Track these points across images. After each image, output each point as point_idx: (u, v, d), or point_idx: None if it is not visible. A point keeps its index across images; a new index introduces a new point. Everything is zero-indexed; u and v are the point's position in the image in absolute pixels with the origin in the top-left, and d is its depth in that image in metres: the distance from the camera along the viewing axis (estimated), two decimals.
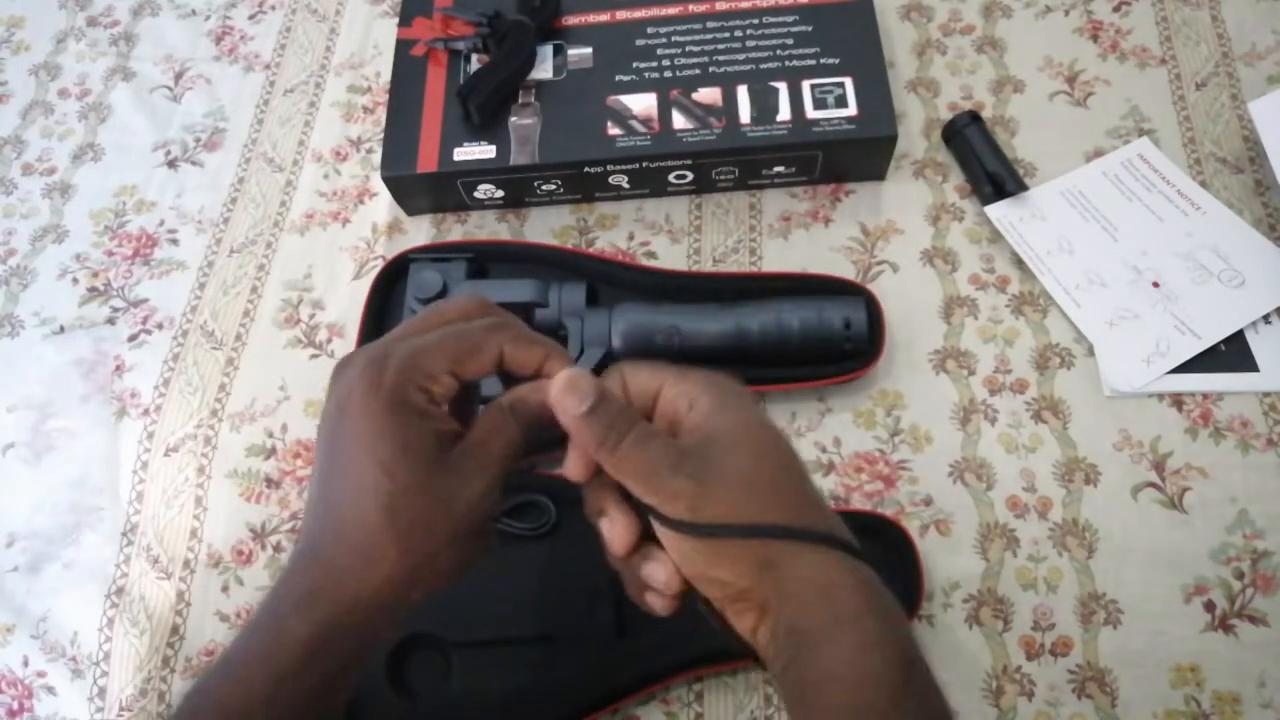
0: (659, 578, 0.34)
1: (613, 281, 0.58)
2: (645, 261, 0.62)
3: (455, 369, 0.35)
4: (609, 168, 0.61)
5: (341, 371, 0.34)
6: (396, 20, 0.68)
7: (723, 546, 0.32)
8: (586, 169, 0.61)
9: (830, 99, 0.60)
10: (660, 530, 0.33)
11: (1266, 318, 0.56)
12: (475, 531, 0.34)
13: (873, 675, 0.31)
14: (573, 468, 0.35)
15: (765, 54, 0.62)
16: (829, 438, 0.56)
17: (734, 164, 0.61)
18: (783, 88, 0.61)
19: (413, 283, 0.58)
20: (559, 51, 0.64)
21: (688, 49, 0.63)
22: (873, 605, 0.32)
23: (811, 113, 0.60)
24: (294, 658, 0.32)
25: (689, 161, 0.60)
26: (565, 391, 0.33)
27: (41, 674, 0.54)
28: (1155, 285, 0.57)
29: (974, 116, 0.63)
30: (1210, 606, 0.49)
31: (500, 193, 0.63)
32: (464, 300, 0.38)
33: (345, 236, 0.66)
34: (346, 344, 0.61)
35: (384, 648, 0.41)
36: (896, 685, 0.31)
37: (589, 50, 0.64)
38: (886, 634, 0.32)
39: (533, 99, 0.62)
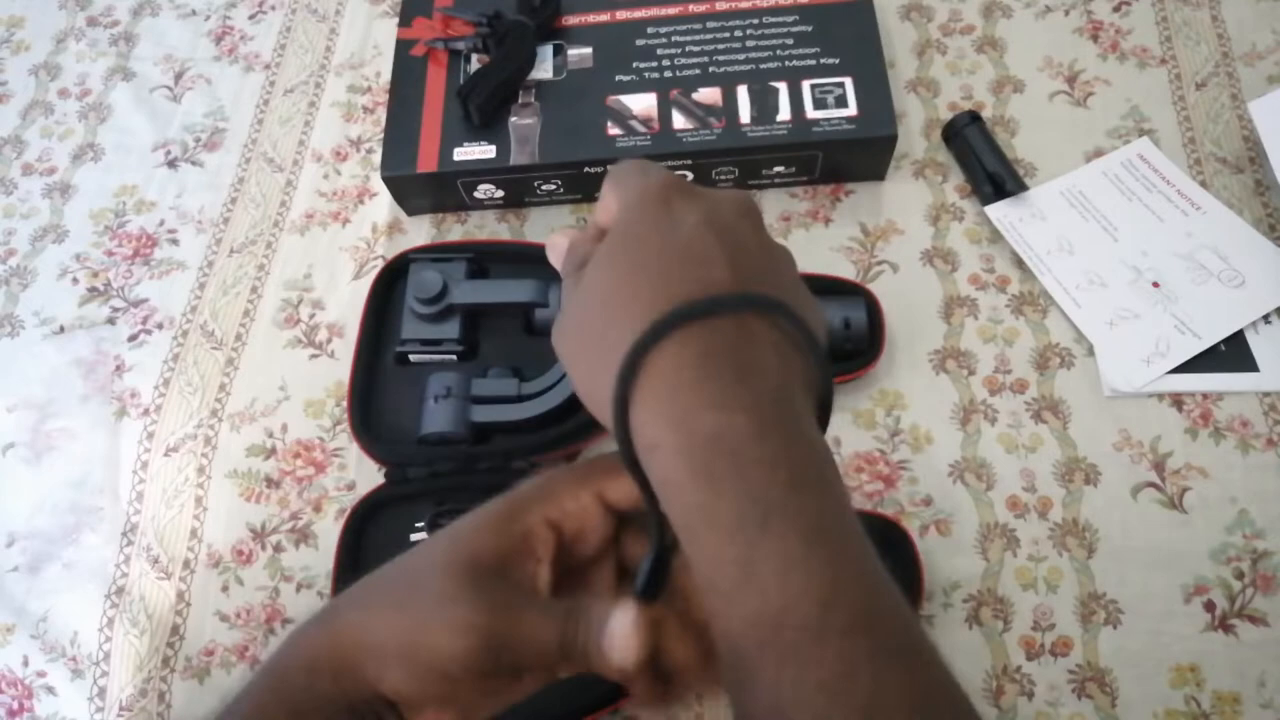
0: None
1: None
2: None
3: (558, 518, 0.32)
4: (609, 168, 0.61)
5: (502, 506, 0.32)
6: (396, 20, 0.68)
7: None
8: (586, 169, 0.61)
9: (830, 99, 0.60)
10: None
11: (1266, 318, 0.56)
12: (449, 667, 0.29)
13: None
14: None
15: (765, 54, 0.62)
16: (829, 438, 0.56)
17: (734, 164, 0.61)
18: (783, 88, 0.61)
19: (413, 283, 0.58)
20: (559, 51, 0.64)
21: (688, 49, 0.63)
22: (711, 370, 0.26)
23: (811, 113, 0.60)
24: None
25: (689, 161, 0.60)
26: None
27: (41, 674, 0.54)
28: (1155, 285, 0.57)
29: (974, 116, 0.63)
30: (1210, 606, 0.49)
31: (500, 193, 0.63)
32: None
33: (345, 236, 0.66)
34: (346, 344, 0.61)
35: None
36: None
37: (589, 50, 0.64)
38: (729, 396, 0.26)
39: (533, 99, 0.62)
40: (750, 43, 0.63)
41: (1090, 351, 0.57)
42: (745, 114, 0.60)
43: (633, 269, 0.29)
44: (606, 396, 0.27)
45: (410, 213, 0.66)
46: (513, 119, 0.62)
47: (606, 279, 0.30)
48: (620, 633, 0.29)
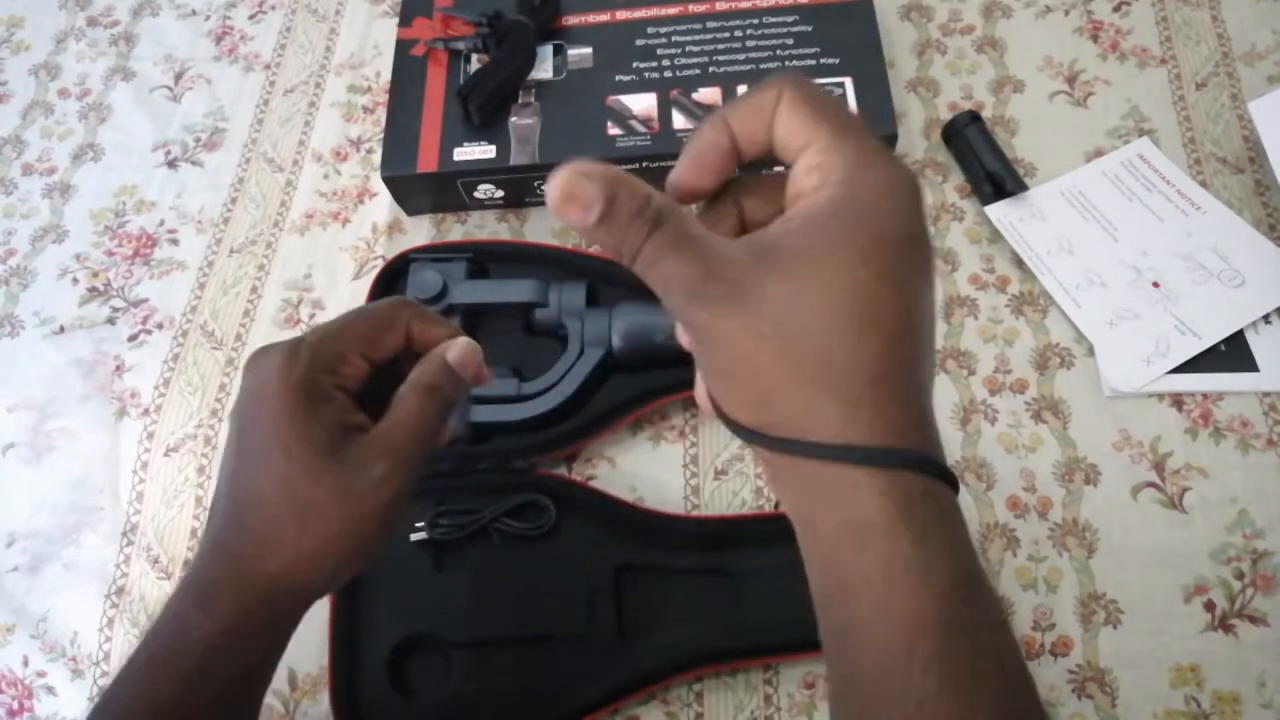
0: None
1: (613, 281, 0.58)
2: None
3: (365, 350, 0.35)
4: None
5: (256, 361, 0.34)
6: (396, 20, 0.68)
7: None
8: None
9: None
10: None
11: (1266, 318, 0.56)
12: (376, 517, 0.34)
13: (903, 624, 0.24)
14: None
15: (765, 54, 0.62)
16: None
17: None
18: None
19: (413, 283, 0.58)
20: (559, 51, 0.64)
21: (688, 49, 0.63)
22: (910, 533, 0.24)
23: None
24: (200, 657, 0.32)
25: None
26: (564, 203, 0.25)
27: (41, 674, 0.54)
28: (1155, 285, 0.57)
29: (974, 116, 0.63)
30: (1210, 606, 0.49)
31: (500, 193, 0.63)
32: (382, 301, 0.38)
33: (345, 236, 0.66)
34: None
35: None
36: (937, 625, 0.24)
37: (589, 50, 0.64)
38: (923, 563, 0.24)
39: (533, 99, 0.62)
40: (750, 43, 0.63)
41: (1090, 351, 0.57)
42: None
43: (898, 315, 0.25)
44: (799, 397, 0.25)
45: (410, 213, 0.66)
46: (513, 119, 0.62)
47: (856, 292, 0.24)
48: (460, 350, 0.37)
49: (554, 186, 0.25)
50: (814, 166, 0.25)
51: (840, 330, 0.24)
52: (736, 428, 0.26)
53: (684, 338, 0.28)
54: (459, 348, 0.36)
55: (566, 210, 0.25)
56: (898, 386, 0.25)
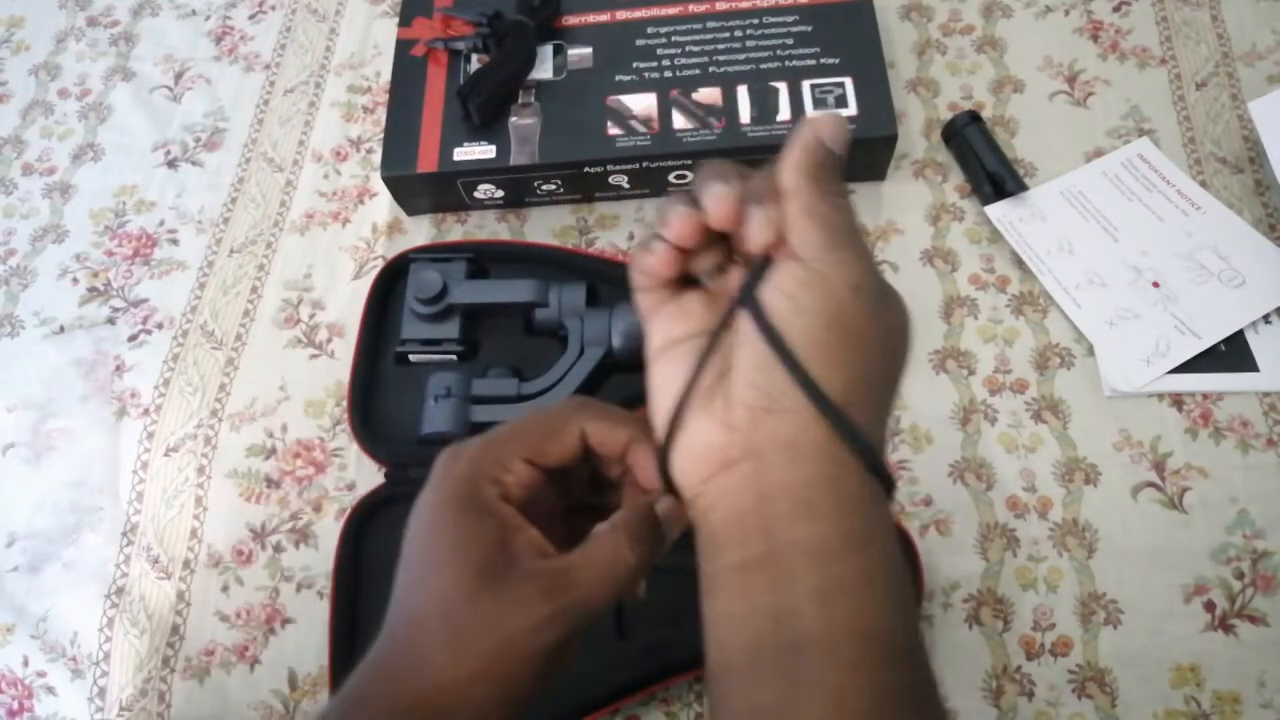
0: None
1: (613, 281, 0.58)
2: None
3: (532, 455, 0.32)
4: (609, 168, 0.61)
5: (440, 458, 0.32)
6: (396, 20, 0.68)
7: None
8: (586, 169, 0.61)
9: (830, 99, 0.60)
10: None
11: (1266, 318, 0.56)
12: (525, 662, 0.29)
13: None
14: None
15: (765, 54, 0.62)
16: None
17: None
18: (783, 88, 0.61)
19: (413, 283, 0.58)
20: (559, 51, 0.64)
21: (688, 49, 0.63)
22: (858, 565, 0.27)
23: (812, 112, 0.60)
24: None
25: (689, 161, 0.60)
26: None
27: (41, 674, 0.54)
28: (1155, 285, 0.57)
29: (974, 116, 0.63)
30: (1210, 606, 0.49)
31: (500, 193, 0.63)
32: (558, 402, 0.34)
33: (345, 236, 0.66)
34: (346, 344, 0.61)
35: None
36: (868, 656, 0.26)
37: (589, 50, 0.64)
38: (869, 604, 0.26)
39: (533, 99, 0.62)
40: (750, 43, 0.63)
41: (1090, 351, 0.57)
42: (745, 114, 0.60)
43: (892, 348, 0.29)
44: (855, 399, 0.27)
45: (410, 213, 0.66)
46: (513, 119, 0.62)
47: (889, 340, 0.29)
48: (669, 505, 0.31)
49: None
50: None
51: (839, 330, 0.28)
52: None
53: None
54: (668, 503, 0.31)
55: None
56: (873, 398, 0.29)
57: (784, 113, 0.60)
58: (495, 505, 0.30)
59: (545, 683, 0.30)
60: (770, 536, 0.27)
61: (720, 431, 0.28)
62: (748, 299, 0.28)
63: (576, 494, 0.35)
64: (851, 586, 0.26)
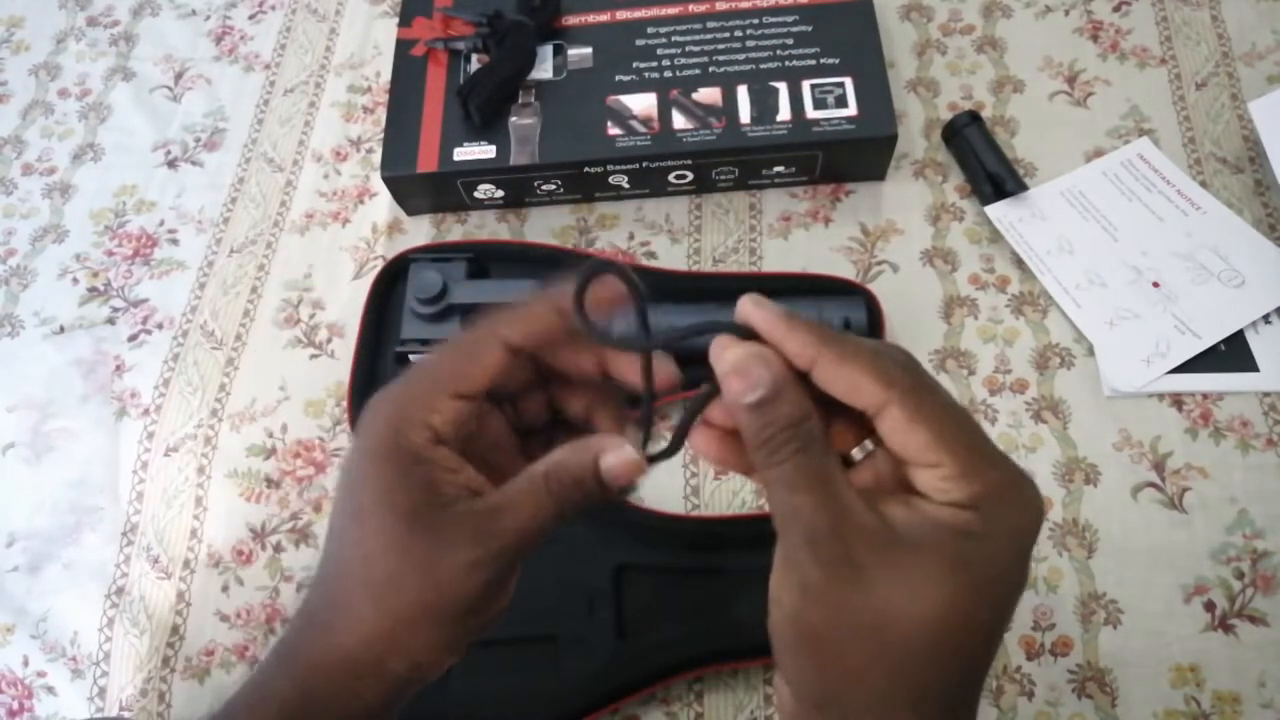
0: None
1: None
2: (645, 261, 0.62)
3: (456, 387, 0.29)
4: (609, 168, 0.61)
5: (364, 411, 0.30)
6: (396, 20, 0.68)
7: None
8: (586, 169, 0.61)
9: (830, 99, 0.60)
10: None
11: (1266, 318, 0.56)
12: (456, 607, 0.29)
13: None
14: (700, 441, 0.29)
15: (765, 54, 0.62)
16: None
17: (734, 164, 0.61)
18: (783, 88, 0.61)
19: (413, 283, 0.58)
20: (559, 51, 0.64)
21: (688, 49, 0.63)
22: None
23: (811, 113, 0.60)
24: (273, 716, 0.30)
25: (689, 161, 0.60)
26: (732, 373, 0.27)
27: (41, 674, 0.54)
28: (1155, 285, 0.57)
29: (974, 116, 0.63)
30: (1210, 606, 0.49)
31: (500, 193, 0.63)
32: (473, 326, 0.32)
33: (345, 236, 0.66)
34: (346, 344, 0.61)
35: None
36: None
37: (589, 50, 0.64)
38: None
39: (533, 99, 0.62)
40: (750, 43, 0.63)
41: (1090, 351, 0.57)
42: (745, 114, 0.60)
43: (988, 651, 0.27)
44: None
45: (410, 213, 0.66)
46: (513, 119, 0.62)
47: (966, 624, 0.26)
48: (619, 462, 0.29)
49: (729, 356, 0.27)
50: (949, 483, 0.26)
51: (937, 653, 0.25)
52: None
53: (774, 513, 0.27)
54: (622, 462, 0.29)
55: (730, 380, 0.27)
56: (964, 710, 0.27)
57: (784, 113, 0.60)
58: (422, 450, 0.29)
59: (480, 627, 0.30)
60: None
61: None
62: None
63: (537, 412, 0.33)
64: None
